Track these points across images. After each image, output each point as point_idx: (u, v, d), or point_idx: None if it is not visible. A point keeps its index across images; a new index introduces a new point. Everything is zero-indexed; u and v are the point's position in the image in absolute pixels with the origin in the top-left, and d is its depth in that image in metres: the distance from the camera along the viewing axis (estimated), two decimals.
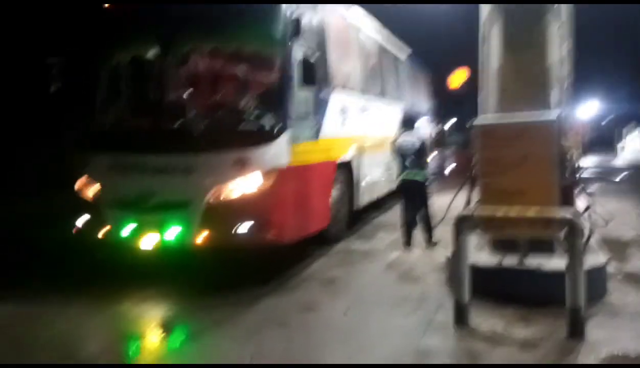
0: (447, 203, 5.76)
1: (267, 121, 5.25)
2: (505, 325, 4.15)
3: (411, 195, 6.93)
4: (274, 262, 6.03)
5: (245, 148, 5.08)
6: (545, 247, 4.94)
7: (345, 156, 7.41)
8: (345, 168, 7.47)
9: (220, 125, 5.35)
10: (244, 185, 5.11)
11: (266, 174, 5.13)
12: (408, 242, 6.96)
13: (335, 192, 6.99)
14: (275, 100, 5.34)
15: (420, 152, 6.78)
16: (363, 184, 8.25)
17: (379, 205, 9.99)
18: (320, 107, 6.26)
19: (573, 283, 3.82)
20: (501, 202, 4.66)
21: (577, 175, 5.11)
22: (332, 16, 7.17)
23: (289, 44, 5.38)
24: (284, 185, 5.27)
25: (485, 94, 5.44)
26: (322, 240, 6.82)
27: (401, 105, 11.06)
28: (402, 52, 11.84)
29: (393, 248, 6.99)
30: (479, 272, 4.51)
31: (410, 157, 6.76)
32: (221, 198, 5.11)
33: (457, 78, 30.78)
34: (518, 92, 5.03)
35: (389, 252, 6.77)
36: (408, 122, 7.24)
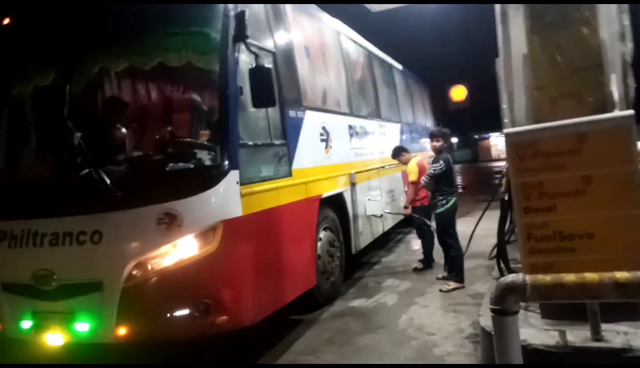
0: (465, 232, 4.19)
1: (203, 158, 3.71)
2: None
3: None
4: (236, 342, 4.43)
5: (172, 199, 3.53)
6: (622, 309, 3.31)
7: (334, 188, 5.83)
8: (335, 203, 5.88)
9: (136, 169, 3.83)
10: (174, 253, 3.55)
11: (203, 234, 3.56)
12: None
13: (322, 238, 5.40)
14: (214, 128, 3.83)
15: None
16: (362, 220, 6.64)
17: (384, 242, 8.38)
18: (289, 132, 4.71)
19: None
20: (555, 250, 3.07)
21: None
22: (301, 13, 5.68)
23: (230, 50, 3.85)
24: (234, 246, 3.69)
25: (509, 95, 3.85)
26: (310, 302, 5.21)
27: (400, 122, 9.56)
28: (396, 63, 10.34)
29: (406, 303, 5.35)
30: (536, 356, 2.95)
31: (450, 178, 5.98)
32: (143, 275, 3.55)
33: (457, 94, 29.57)
34: (559, 84, 3.45)
35: (401, 310, 5.13)
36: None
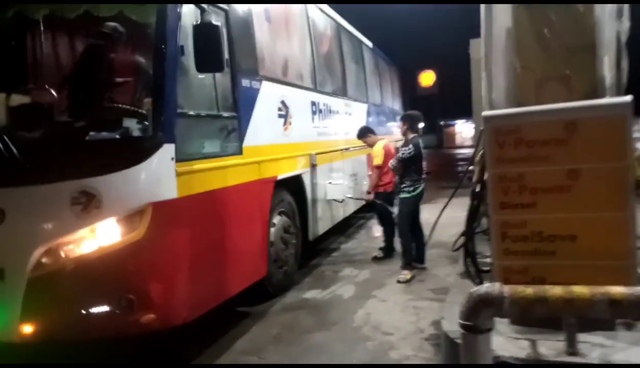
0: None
1: (131, 128, 3.14)
2: None
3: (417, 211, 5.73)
4: (169, 336, 3.93)
5: (90, 175, 2.95)
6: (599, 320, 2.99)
7: (292, 170, 5.34)
8: (293, 186, 5.39)
9: (50, 137, 3.21)
10: (92, 239, 3.00)
11: (128, 218, 3.01)
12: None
13: (276, 224, 4.92)
14: (146, 93, 3.25)
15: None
16: (321, 204, 6.19)
17: (344, 227, 7.98)
18: (241, 103, 4.17)
19: None
20: (532, 253, 2.70)
21: None
22: None
23: (171, 5, 3.25)
24: (165, 232, 3.16)
25: (488, 74, 3.42)
26: (260, 292, 4.75)
27: (368, 102, 9.11)
28: (366, 40, 9.82)
29: (363, 296, 4.96)
30: None
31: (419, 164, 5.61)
32: (54, 263, 2.98)
33: (426, 79, 29.38)
34: (546, 65, 3.04)
35: (357, 305, 4.73)
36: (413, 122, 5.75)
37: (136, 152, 3.05)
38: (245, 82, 4.27)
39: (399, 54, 15.79)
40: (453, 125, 48.12)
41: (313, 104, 6.09)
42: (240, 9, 4.35)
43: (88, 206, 2.94)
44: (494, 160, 2.66)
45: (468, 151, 34.79)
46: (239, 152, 4.11)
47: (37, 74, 3.68)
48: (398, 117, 11.19)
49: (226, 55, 3.95)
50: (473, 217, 3.75)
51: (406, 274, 5.35)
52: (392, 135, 10.55)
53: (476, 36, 9.31)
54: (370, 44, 10.10)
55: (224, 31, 3.92)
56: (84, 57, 3.45)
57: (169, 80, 3.18)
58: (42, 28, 3.62)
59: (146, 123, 3.13)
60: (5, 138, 2.98)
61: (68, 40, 3.76)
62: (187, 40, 3.39)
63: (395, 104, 12.84)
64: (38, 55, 3.74)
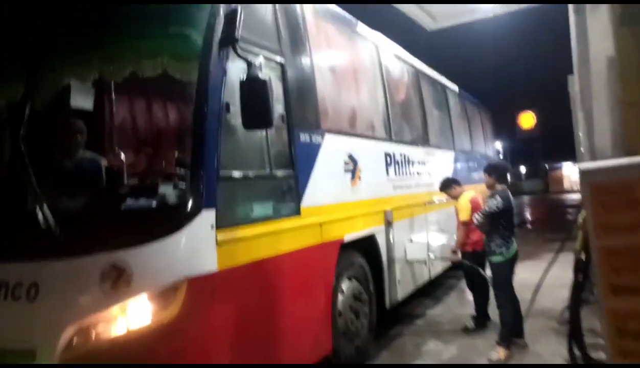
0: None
1: (166, 194, 2.87)
2: None
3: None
4: None
5: (121, 248, 2.70)
6: None
7: (362, 229, 4.84)
8: (364, 247, 4.87)
9: (83, 205, 3.03)
10: (122, 318, 2.71)
11: (160, 296, 2.70)
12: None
13: (344, 291, 4.41)
14: (185, 154, 2.99)
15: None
16: (400, 266, 5.57)
17: (432, 288, 7.19)
18: (299, 160, 3.81)
19: None
20: None
21: None
22: (326, 20, 4.82)
23: (214, 56, 3.04)
24: (202, 311, 2.80)
25: (586, 115, 2.74)
26: None
27: (454, 150, 8.44)
28: (450, 84, 9.23)
29: None
30: None
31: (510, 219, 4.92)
32: (84, 344, 2.73)
33: (526, 121, 27.57)
34: None
35: None
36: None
37: (171, 220, 2.77)
38: (304, 137, 3.93)
39: (495, 97, 14.95)
40: (559, 168, 44.71)
41: (387, 155, 5.61)
42: (299, 60, 4.08)
43: (118, 282, 2.67)
44: (599, 228, 1.99)
45: (578, 196, 31.66)
46: (296, 213, 3.72)
47: (76, 138, 3.60)
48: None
49: (281, 110, 3.69)
50: (578, 292, 2.98)
51: (500, 352, 4.51)
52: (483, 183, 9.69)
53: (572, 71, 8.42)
54: (455, 87, 9.50)
55: (279, 85, 3.69)
56: (125, 120, 3.33)
57: (209, 139, 2.90)
58: (84, 91, 3.60)
59: (182, 188, 2.85)
60: (41, 204, 2.86)
61: (110, 103, 3.70)
62: (233, 95, 3.13)
63: (489, 150, 11.92)
64: (79, 117, 3.69)
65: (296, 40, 4.10)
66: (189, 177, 2.85)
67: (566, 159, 40.35)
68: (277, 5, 3.86)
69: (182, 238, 2.74)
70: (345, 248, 4.44)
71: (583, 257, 2.99)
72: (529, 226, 16.61)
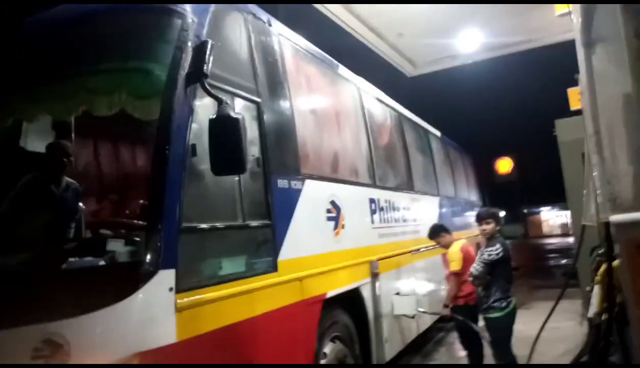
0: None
1: (115, 250, 2.43)
2: None
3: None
4: None
5: (56, 318, 2.22)
6: None
7: (346, 283, 4.40)
8: (348, 303, 4.42)
9: (18, 265, 2.56)
10: None
11: None
12: None
13: (327, 354, 3.92)
14: (139, 204, 2.58)
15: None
16: (387, 322, 5.11)
17: (420, 341, 6.70)
18: (276, 208, 3.40)
19: None
20: None
21: None
22: (306, 61, 4.55)
23: (178, 94, 2.68)
24: None
25: (600, 155, 2.43)
26: None
27: (439, 195, 8.17)
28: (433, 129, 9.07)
29: None
30: None
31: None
32: None
33: (503, 166, 27.94)
34: None
35: None
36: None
37: (120, 283, 2.32)
38: (282, 183, 3.55)
39: (472, 142, 14.93)
40: (538, 213, 45.12)
41: (372, 201, 5.25)
42: (277, 100, 3.76)
43: (52, 359, 2.18)
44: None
45: (557, 240, 31.91)
46: (273, 268, 3.29)
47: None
48: (475, 209, 10.09)
49: (256, 153, 3.33)
50: (603, 359, 2.58)
51: None
52: (470, 229, 9.40)
53: (560, 116, 8.32)
54: (438, 133, 9.33)
55: (254, 126, 3.34)
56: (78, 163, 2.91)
57: (170, 186, 2.50)
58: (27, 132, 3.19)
59: (136, 243, 2.42)
60: None
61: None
62: (202, 137, 2.76)
63: (472, 195, 11.72)
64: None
65: (274, 79, 3.79)
66: (144, 230, 2.42)
67: (545, 204, 40.78)
68: (252, 41, 3.56)
69: (133, 304, 2.28)
70: (328, 305, 3.99)
71: (601, 316, 2.64)
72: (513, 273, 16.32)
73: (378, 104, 6.30)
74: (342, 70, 5.32)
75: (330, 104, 5.01)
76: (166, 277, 2.39)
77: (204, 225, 2.74)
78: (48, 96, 2.78)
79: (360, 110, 5.55)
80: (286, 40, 4.13)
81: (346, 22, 8.97)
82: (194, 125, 2.78)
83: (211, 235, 2.82)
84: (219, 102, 2.76)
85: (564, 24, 8.06)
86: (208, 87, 2.74)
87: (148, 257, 2.36)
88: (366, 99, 5.78)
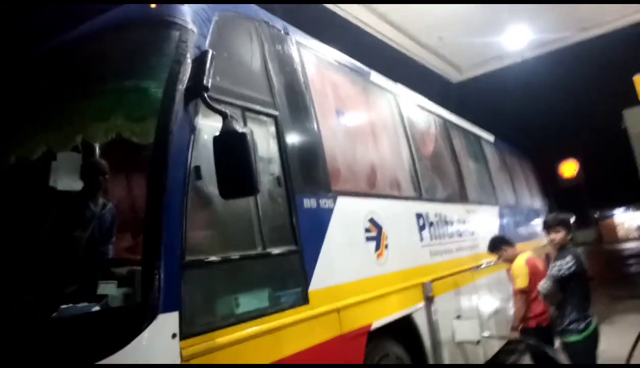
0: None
1: (111, 292, 2.12)
2: None
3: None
4: None
5: None
6: None
7: (395, 311, 3.92)
8: (400, 332, 3.92)
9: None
10: None
11: None
12: None
13: None
14: (136, 239, 2.26)
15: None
16: (448, 350, 4.55)
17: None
18: (303, 231, 3.02)
19: None
20: None
21: None
22: (332, 68, 4.20)
23: (178, 109, 2.38)
24: None
25: None
26: None
27: (498, 204, 7.51)
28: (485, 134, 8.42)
29: None
30: None
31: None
32: None
33: (567, 170, 26.31)
34: None
35: None
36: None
37: (113, 331, 2.00)
38: (308, 202, 3.17)
39: (534, 147, 14.02)
40: (611, 216, 42.05)
41: (419, 216, 4.75)
42: (299, 113, 3.41)
43: None
44: None
45: (636, 245, 29.32)
46: (303, 300, 2.89)
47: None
48: (541, 216, 9.25)
49: (276, 172, 2.98)
50: None
51: None
52: (536, 239, 8.60)
53: (626, 106, 7.51)
54: (491, 137, 8.67)
55: (272, 142, 3.00)
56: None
57: (168, 216, 2.17)
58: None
59: (130, 284, 2.10)
60: None
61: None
62: (209, 158, 2.44)
63: (535, 202, 10.83)
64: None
65: (294, 90, 3.45)
66: (141, 268, 2.10)
67: (618, 206, 37.95)
68: (266, 50, 3.25)
69: (128, 357, 1.94)
70: (375, 337, 3.53)
71: None
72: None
73: (420, 111, 5.83)
74: (375, 77, 4.93)
75: (363, 114, 4.62)
76: (167, 322, 2.05)
77: (213, 258, 2.39)
78: (41, 126, 2.58)
79: (399, 118, 5.11)
80: (306, 49, 3.81)
81: (382, 32, 8.65)
82: (199, 145, 2.48)
83: (224, 268, 2.47)
84: (224, 116, 2.45)
85: (615, 10, 7.35)
86: (210, 101, 2.44)
87: (144, 299, 2.03)
88: (405, 106, 5.34)
